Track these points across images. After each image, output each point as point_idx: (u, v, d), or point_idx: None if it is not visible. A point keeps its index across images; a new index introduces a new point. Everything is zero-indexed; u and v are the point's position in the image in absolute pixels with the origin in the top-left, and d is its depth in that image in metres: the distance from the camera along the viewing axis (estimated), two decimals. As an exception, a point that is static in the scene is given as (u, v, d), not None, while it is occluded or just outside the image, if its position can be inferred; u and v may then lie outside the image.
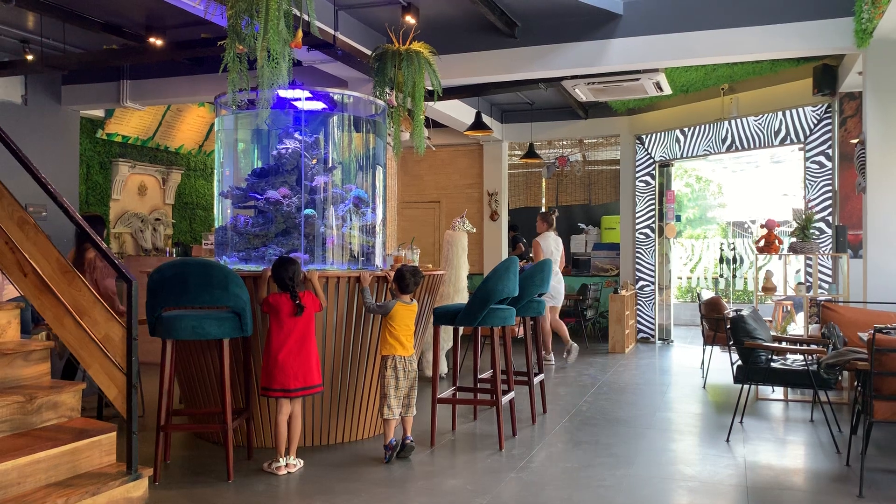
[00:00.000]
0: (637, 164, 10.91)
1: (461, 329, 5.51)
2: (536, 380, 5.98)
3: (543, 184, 12.52)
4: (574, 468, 4.49)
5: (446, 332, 7.15)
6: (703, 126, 9.95)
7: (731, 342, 5.41)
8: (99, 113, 9.56)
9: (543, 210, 8.56)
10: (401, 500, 3.92)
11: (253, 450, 4.72)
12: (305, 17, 4.45)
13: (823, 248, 7.96)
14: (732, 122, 9.49)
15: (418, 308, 4.99)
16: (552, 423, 5.70)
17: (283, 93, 5.05)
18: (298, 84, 5.22)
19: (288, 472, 4.34)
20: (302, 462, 4.47)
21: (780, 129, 8.97)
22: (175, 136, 10.64)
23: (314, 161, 5.33)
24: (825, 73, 7.82)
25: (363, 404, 5.12)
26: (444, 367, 7.59)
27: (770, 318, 7.68)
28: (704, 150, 10.02)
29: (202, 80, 8.25)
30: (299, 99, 5.33)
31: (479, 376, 5.88)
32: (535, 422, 5.70)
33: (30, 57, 7.44)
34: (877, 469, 4.50)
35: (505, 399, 5.16)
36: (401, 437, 4.67)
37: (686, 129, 10.22)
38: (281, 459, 4.36)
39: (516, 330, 8.10)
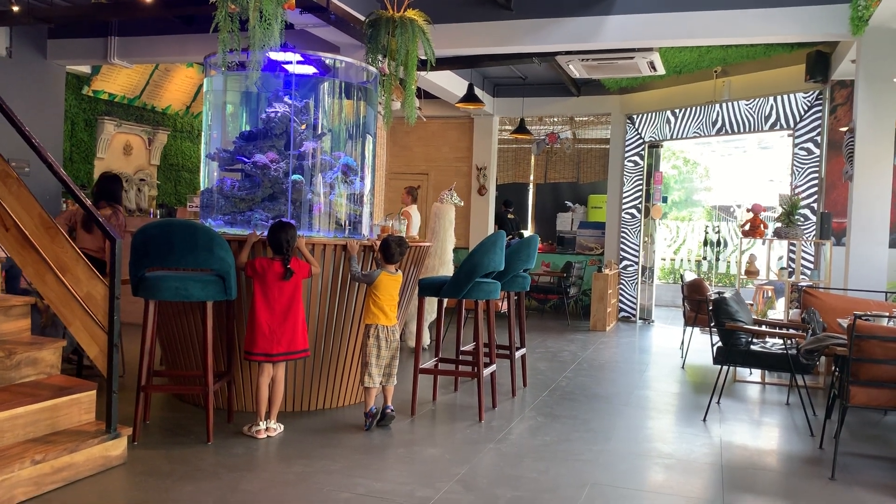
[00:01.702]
0: (626, 143, 10.91)
1: (445, 301, 5.52)
2: (518, 354, 6.02)
3: (532, 160, 12.49)
4: (552, 442, 4.54)
5: (430, 304, 7.16)
6: (694, 108, 9.94)
7: (713, 324, 5.45)
8: (85, 69, 9.40)
9: (409, 186, 8.53)
10: (379, 468, 3.94)
11: (233, 413, 4.72)
12: (300, -21, 4.38)
13: (807, 235, 8.02)
14: (724, 105, 9.48)
15: (403, 279, 4.98)
16: (532, 396, 5.74)
17: (273, 55, 4.98)
18: (290, 47, 5.15)
19: (268, 436, 4.35)
20: (282, 427, 4.48)
21: (770, 115, 8.99)
22: (162, 95, 10.49)
23: (303, 126, 5.27)
24: (818, 60, 7.82)
25: (345, 371, 5.13)
26: (426, 339, 7.62)
27: (751, 302, 7.76)
28: (694, 132, 10.02)
29: (192, 39, 8.11)
30: (290, 62, 5.26)
31: (462, 348, 5.91)
32: (514, 395, 5.74)
33: (15, 8, 7.26)
34: (849, 453, 4.57)
35: (486, 372, 5.19)
36: (381, 406, 4.69)
37: (677, 111, 10.21)
38: (261, 423, 4.37)
39: (500, 304, 8.14)
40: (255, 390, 4.43)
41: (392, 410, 4.70)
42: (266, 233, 4.46)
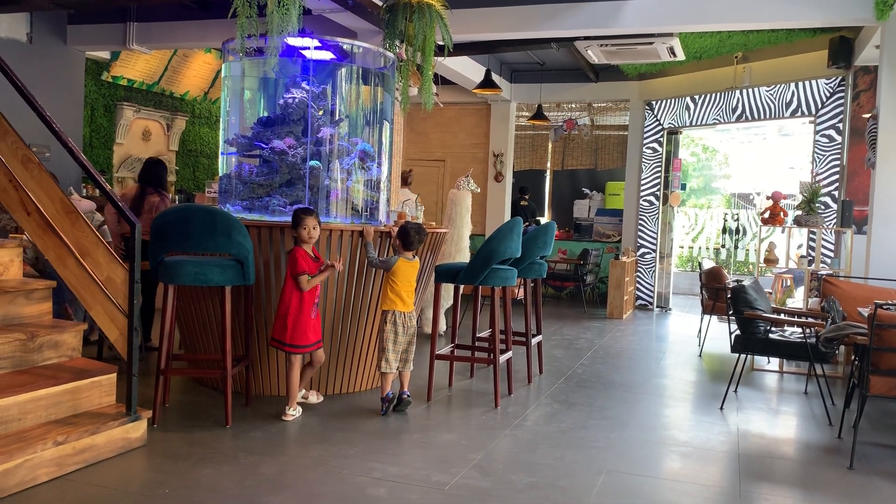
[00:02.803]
0: (645, 130, 10.83)
1: (462, 288, 5.52)
2: (534, 341, 6.02)
3: (550, 146, 12.43)
4: (568, 428, 4.54)
5: (447, 291, 7.17)
6: (714, 94, 9.84)
7: (731, 312, 5.42)
8: (104, 55, 9.44)
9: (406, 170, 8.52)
10: (396, 452, 3.96)
11: (252, 397, 4.77)
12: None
13: (828, 223, 7.93)
14: (744, 91, 9.38)
15: (420, 265, 4.99)
16: (548, 383, 5.74)
17: (291, 41, 4.97)
18: (308, 32, 5.14)
19: (284, 420, 4.38)
20: (301, 410, 4.52)
21: (791, 101, 8.88)
22: (181, 81, 10.53)
23: (321, 112, 5.27)
24: (841, 46, 7.70)
25: (362, 357, 5.16)
26: (443, 325, 7.63)
27: (770, 290, 7.70)
28: (714, 118, 9.92)
29: (210, 24, 8.12)
30: (308, 48, 5.25)
31: (478, 335, 5.91)
32: (530, 382, 5.74)
33: (36, -6, 7.30)
34: (868, 443, 4.54)
35: (502, 358, 5.20)
36: (398, 392, 4.71)
37: (696, 97, 10.11)
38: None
39: (516, 291, 8.14)
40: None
41: (408, 396, 4.72)
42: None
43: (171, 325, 4.37)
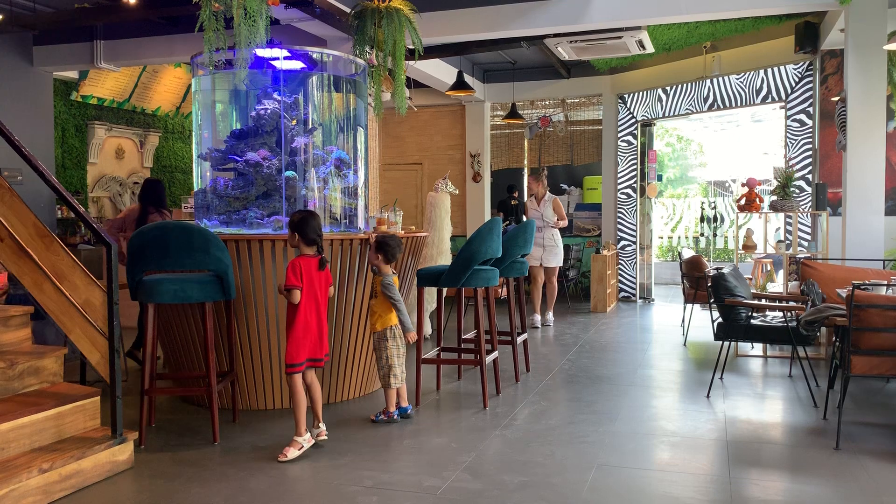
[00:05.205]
0: (619, 123, 10.89)
1: (445, 290, 5.52)
2: (519, 339, 6.03)
3: (526, 144, 12.46)
4: (557, 425, 4.55)
5: (430, 294, 7.16)
6: (685, 85, 9.92)
7: (712, 300, 5.46)
8: (73, 74, 9.36)
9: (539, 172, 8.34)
10: (386, 459, 3.95)
11: (238, 412, 4.73)
12: (282, -26, 4.35)
13: (803, 206, 8.02)
14: (714, 80, 9.46)
15: (400, 269, 4.98)
16: (535, 381, 5.76)
17: (260, 52, 4.96)
18: (276, 43, 5.13)
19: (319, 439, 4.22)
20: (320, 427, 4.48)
21: (761, 88, 8.97)
22: (152, 97, 10.45)
23: (294, 122, 5.26)
24: (807, 31, 7.80)
25: (348, 366, 5.14)
26: (428, 329, 7.63)
27: (750, 276, 7.76)
28: (686, 108, 10.00)
29: (178, 39, 8.07)
30: (277, 58, 5.23)
31: (463, 337, 5.91)
32: (518, 380, 5.75)
33: (-1, 16, 7.23)
34: (853, 422, 4.59)
35: (489, 358, 5.20)
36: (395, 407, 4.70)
37: (668, 88, 10.18)
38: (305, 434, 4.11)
39: (500, 291, 8.14)
40: (296, 399, 4.07)
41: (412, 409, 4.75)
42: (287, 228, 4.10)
43: (153, 344, 4.33)
